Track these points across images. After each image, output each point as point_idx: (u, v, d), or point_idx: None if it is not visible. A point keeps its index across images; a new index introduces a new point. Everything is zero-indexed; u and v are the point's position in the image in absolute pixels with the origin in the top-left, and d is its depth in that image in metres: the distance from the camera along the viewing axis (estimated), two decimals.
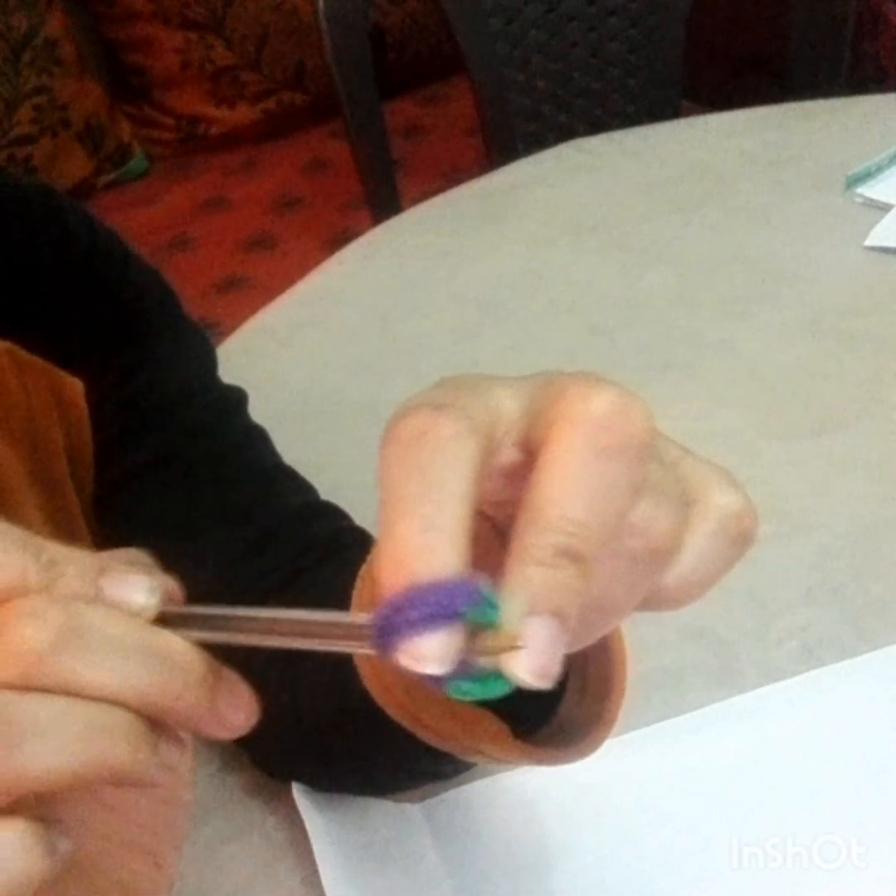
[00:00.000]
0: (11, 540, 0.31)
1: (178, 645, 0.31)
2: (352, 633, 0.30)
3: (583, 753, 0.42)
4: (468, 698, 0.29)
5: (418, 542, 0.28)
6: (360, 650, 0.30)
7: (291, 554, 0.59)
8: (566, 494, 0.29)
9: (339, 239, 1.47)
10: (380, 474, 0.30)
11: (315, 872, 0.57)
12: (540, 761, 0.42)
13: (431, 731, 0.42)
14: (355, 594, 0.43)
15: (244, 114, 2.29)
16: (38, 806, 0.31)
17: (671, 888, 0.56)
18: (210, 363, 0.64)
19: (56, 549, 0.31)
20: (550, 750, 0.42)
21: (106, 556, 0.32)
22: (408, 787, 0.60)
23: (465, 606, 0.28)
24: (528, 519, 0.29)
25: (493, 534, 0.34)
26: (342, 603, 0.46)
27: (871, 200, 1.04)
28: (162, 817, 0.35)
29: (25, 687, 0.29)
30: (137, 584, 0.31)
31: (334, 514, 0.63)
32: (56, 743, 0.29)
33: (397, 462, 0.30)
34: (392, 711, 0.42)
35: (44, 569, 0.30)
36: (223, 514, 0.60)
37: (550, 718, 0.43)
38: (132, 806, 0.35)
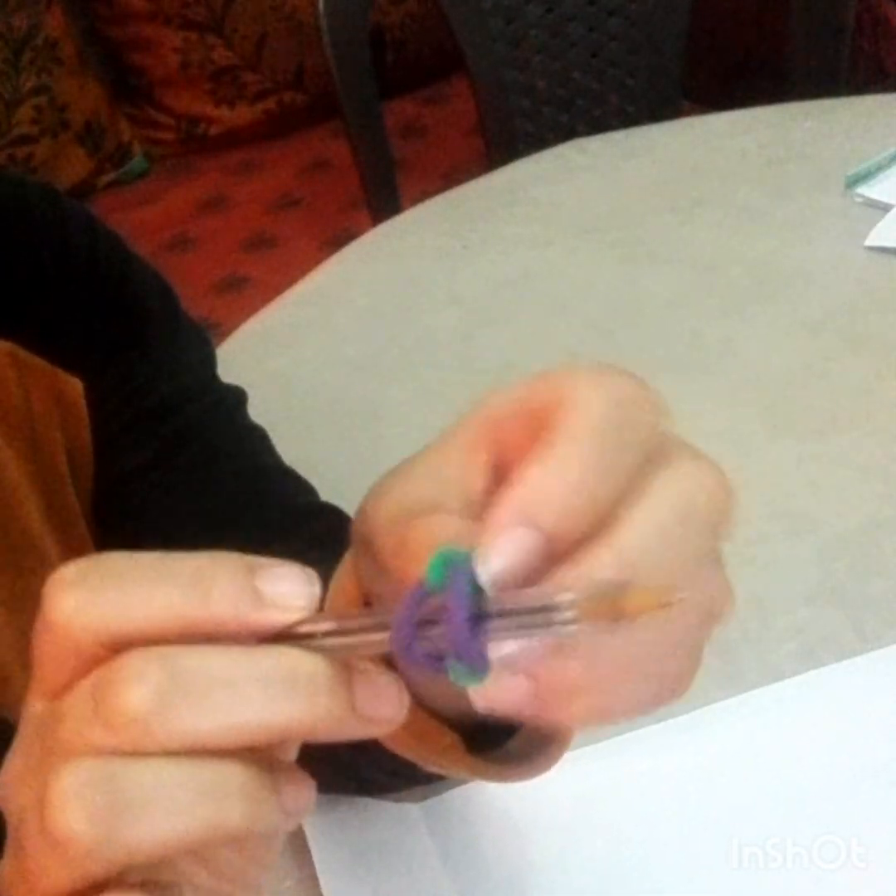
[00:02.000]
0: (142, 572, 0.29)
1: (295, 658, 0.29)
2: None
3: (534, 774, 0.41)
4: (463, 682, 0.28)
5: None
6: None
7: (292, 555, 0.59)
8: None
9: (339, 239, 1.47)
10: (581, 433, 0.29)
11: (314, 873, 0.57)
12: (490, 778, 0.41)
13: (388, 740, 0.41)
14: (334, 587, 0.43)
15: (244, 114, 2.29)
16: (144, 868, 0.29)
17: (671, 888, 0.56)
18: (210, 363, 0.64)
19: (194, 561, 0.29)
20: (503, 768, 0.41)
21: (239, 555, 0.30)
22: (401, 789, 0.60)
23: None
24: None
25: None
26: None
27: (871, 200, 1.04)
28: (249, 874, 0.33)
29: (138, 753, 0.27)
30: (294, 575, 0.29)
31: (335, 515, 0.63)
32: (164, 812, 0.27)
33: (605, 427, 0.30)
34: None
35: (191, 585, 0.28)
36: (223, 514, 0.60)
37: (508, 740, 0.42)
38: (224, 862, 0.33)
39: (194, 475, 0.60)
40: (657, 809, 0.59)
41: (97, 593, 0.29)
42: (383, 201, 1.49)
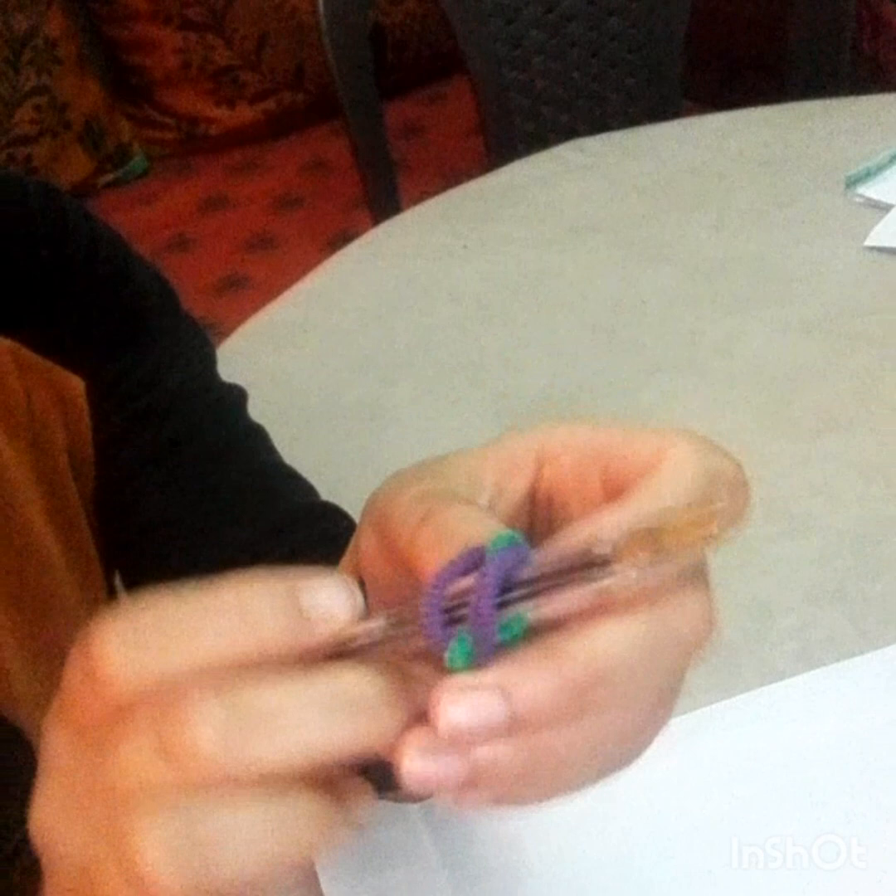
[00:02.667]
0: (185, 615, 0.29)
1: (349, 678, 0.29)
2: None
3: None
4: (458, 661, 0.29)
5: None
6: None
7: (290, 557, 0.59)
8: None
9: (339, 239, 1.47)
10: None
11: (313, 873, 0.57)
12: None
13: None
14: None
15: (244, 114, 2.29)
16: None
17: (671, 888, 0.56)
18: (210, 362, 0.64)
19: (234, 592, 0.29)
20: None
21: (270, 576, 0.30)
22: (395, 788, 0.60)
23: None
24: None
25: None
26: None
27: (871, 200, 1.04)
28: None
29: (209, 789, 0.28)
30: (333, 587, 0.30)
31: (335, 514, 0.63)
32: (247, 849, 0.28)
33: None
34: None
35: (236, 620, 0.29)
36: (222, 514, 0.60)
37: None
38: None
39: (194, 474, 0.60)
40: (657, 809, 0.59)
41: (143, 649, 0.29)
42: (383, 201, 1.49)
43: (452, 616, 0.29)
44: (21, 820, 0.49)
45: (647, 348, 0.93)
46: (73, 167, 2.16)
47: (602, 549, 0.28)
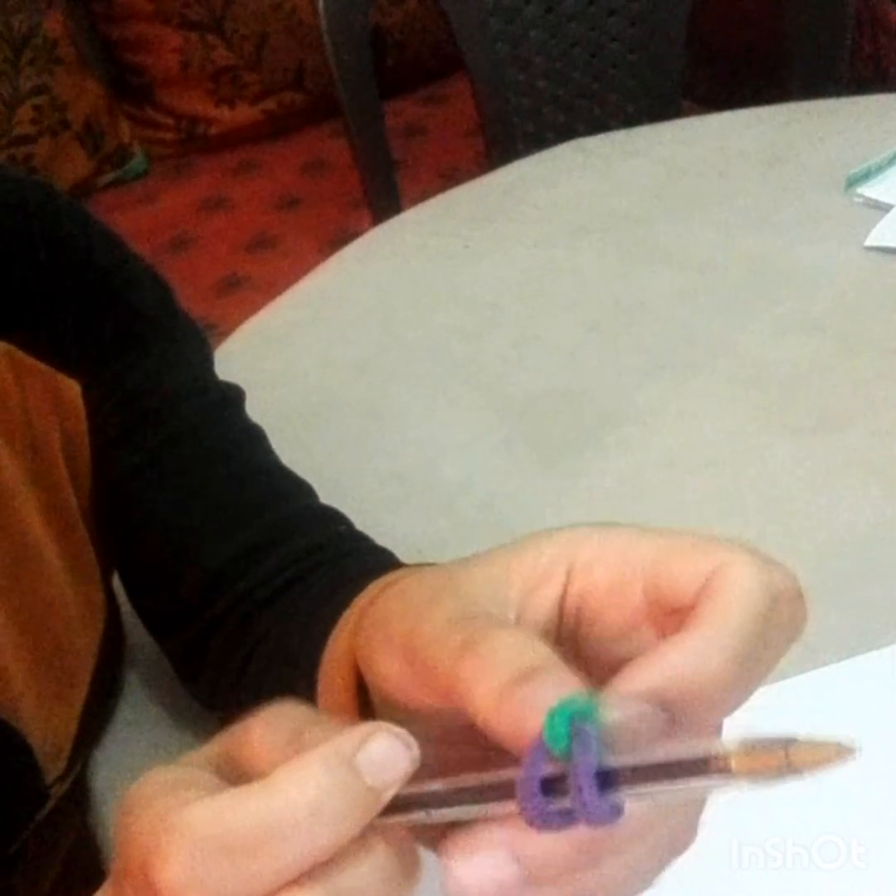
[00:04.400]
0: (252, 830, 0.27)
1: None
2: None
3: None
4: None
5: None
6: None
7: (291, 558, 0.59)
8: None
9: (339, 239, 1.47)
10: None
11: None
12: None
13: None
14: (324, 676, 0.44)
15: (244, 114, 2.29)
16: None
17: (671, 888, 0.56)
18: (207, 362, 0.64)
19: (303, 794, 0.28)
20: None
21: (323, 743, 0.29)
22: None
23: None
24: None
25: None
26: (309, 627, 0.48)
27: (871, 200, 1.04)
28: None
29: None
30: (392, 746, 0.29)
31: (333, 517, 0.62)
32: None
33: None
34: None
35: (310, 825, 0.27)
36: (221, 515, 0.60)
37: None
38: None
39: (192, 475, 0.60)
40: None
41: (211, 867, 0.27)
42: (383, 201, 1.49)
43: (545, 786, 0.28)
44: (21, 821, 0.49)
45: (647, 348, 0.93)
46: (73, 167, 2.16)
47: (722, 749, 0.27)
